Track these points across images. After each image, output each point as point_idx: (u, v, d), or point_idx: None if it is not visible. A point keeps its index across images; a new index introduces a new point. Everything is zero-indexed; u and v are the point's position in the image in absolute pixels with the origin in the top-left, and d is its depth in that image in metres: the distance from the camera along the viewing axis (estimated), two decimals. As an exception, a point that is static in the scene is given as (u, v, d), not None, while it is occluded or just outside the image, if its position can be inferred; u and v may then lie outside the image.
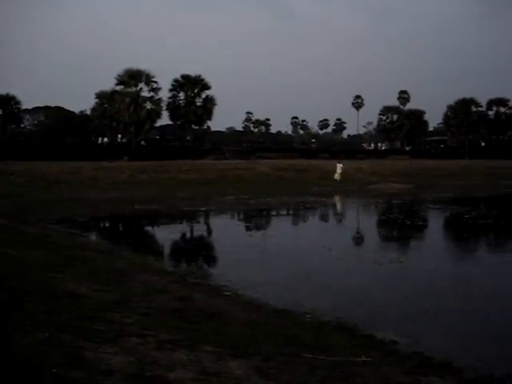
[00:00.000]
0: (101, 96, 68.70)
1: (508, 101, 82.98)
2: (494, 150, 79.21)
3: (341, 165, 44.07)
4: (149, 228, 22.26)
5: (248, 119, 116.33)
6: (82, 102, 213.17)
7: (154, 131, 73.21)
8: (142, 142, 67.21)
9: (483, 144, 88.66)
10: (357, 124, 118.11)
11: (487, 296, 9.64)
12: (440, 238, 17.90)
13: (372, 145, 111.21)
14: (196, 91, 66.71)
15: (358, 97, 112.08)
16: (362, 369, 5.47)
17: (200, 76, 66.74)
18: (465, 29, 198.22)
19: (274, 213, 26.66)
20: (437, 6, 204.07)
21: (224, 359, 5.25)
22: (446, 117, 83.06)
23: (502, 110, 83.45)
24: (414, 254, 15.04)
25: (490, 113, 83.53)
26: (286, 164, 48.78)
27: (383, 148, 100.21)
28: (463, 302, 9.16)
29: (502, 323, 7.97)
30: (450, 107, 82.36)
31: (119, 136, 71.80)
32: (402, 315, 8.36)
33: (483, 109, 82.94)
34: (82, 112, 79.50)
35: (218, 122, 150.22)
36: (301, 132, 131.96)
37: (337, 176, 43.17)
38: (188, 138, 71.31)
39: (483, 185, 44.57)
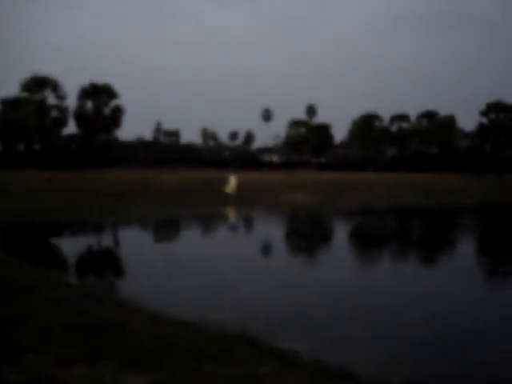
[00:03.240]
0: (4, 102, 66.22)
1: (409, 116, 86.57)
2: (397, 164, 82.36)
3: (234, 178, 43.96)
4: (53, 240, 21.59)
5: (158, 129, 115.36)
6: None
7: (60, 140, 71.22)
8: (48, 151, 65.22)
9: (390, 156, 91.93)
10: (266, 136, 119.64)
11: (388, 304, 9.96)
12: (345, 248, 18.38)
13: (274, 158, 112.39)
14: (104, 100, 65.60)
15: (267, 110, 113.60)
16: (264, 379, 5.54)
17: (108, 84, 65.69)
18: (368, 46, 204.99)
19: (182, 224, 26.54)
20: (346, 21, 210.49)
21: (124, 374, 5.19)
22: (351, 131, 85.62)
23: (404, 125, 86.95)
24: (320, 263, 15.39)
25: (393, 128, 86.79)
26: (195, 175, 48.73)
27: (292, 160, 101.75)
28: (365, 311, 9.45)
29: (402, 331, 8.26)
30: (354, 122, 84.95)
31: (24, 144, 69.34)
32: (305, 325, 8.51)
33: (386, 124, 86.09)
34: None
35: (127, 131, 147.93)
36: (211, 143, 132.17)
37: (229, 189, 42.96)
38: (95, 147, 69.85)
39: (386, 197, 46.21)
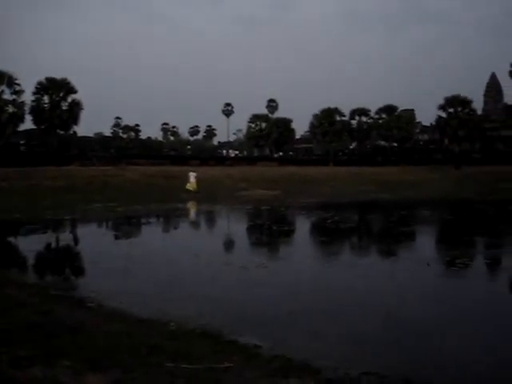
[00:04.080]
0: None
1: (369, 111, 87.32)
2: (358, 157, 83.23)
3: (194, 174, 43.81)
4: (10, 239, 21.17)
5: (117, 124, 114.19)
6: None
7: (16, 136, 69.77)
8: (4, 147, 63.83)
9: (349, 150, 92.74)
10: (227, 131, 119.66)
11: (349, 298, 10.05)
12: (304, 243, 18.49)
13: (231, 152, 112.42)
14: (61, 95, 64.45)
15: (228, 104, 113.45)
16: (224, 375, 5.54)
17: (66, 79, 64.55)
18: (329, 41, 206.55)
19: (142, 220, 26.33)
20: (304, 15, 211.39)
21: (82, 374, 5.11)
22: (312, 125, 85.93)
23: (364, 119, 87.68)
24: (280, 258, 15.46)
25: (353, 122, 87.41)
26: (155, 171, 48.34)
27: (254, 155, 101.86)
28: (325, 305, 9.51)
29: (363, 324, 8.34)
30: (315, 116, 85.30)
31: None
32: (266, 319, 8.53)
33: (346, 118, 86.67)
34: None
35: (86, 127, 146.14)
36: (171, 138, 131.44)
37: (189, 185, 42.80)
38: (53, 143, 68.66)
39: (346, 191, 46.66)
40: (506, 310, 9.26)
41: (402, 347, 7.29)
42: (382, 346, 7.35)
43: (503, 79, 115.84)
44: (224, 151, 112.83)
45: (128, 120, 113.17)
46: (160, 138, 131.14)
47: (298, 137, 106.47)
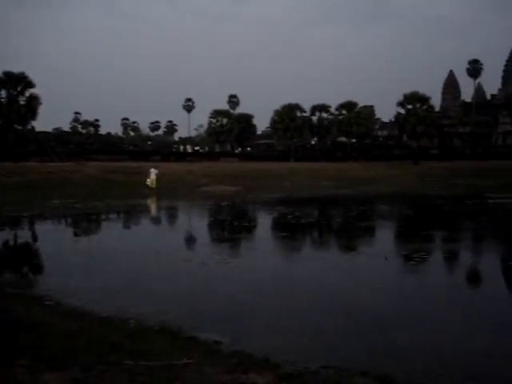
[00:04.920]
0: None
1: (330, 107, 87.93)
2: (318, 153, 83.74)
3: (155, 170, 43.59)
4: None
5: (76, 120, 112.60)
6: None
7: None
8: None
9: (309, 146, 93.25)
10: (188, 127, 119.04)
11: (309, 292, 10.14)
12: (265, 238, 18.55)
13: (188, 148, 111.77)
14: (19, 89, 63.25)
15: (189, 99, 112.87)
16: (182, 371, 5.54)
17: (23, 73, 63.39)
18: (288, 36, 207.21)
19: (102, 217, 26.06)
20: (265, 10, 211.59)
21: (39, 373, 5.06)
22: (273, 121, 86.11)
23: (325, 115, 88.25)
24: (241, 254, 15.50)
25: (314, 118, 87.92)
26: (115, 166, 47.88)
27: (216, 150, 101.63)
28: (285, 300, 9.58)
29: (322, 318, 8.43)
30: (276, 112, 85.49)
31: None
32: (226, 315, 8.57)
33: (307, 114, 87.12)
34: None
35: (44, 122, 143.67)
36: (132, 134, 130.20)
37: (150, 182, 42.60)
38: (11, 138, 67.31)
39: (307, 186, 46.96)
40: (460, 302, 9.47)
41: (360, 340, 7.39)
42: (340, 339, 7.45)
43: (461, 76, 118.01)
44: (181, 146, 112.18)
45: (87, 115, 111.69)
46: (120, 134, 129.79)
47: (259, 132, 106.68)
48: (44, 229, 21.58)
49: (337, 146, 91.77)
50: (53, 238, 18.44)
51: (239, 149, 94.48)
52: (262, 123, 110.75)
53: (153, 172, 43.23)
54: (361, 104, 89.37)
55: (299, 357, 6.54)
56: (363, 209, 29.63)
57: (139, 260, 13.73)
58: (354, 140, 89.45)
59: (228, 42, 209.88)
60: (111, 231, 20.96)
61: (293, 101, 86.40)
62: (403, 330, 7.88)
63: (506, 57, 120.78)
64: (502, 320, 8.39)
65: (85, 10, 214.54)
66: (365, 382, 5.78)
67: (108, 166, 47.72)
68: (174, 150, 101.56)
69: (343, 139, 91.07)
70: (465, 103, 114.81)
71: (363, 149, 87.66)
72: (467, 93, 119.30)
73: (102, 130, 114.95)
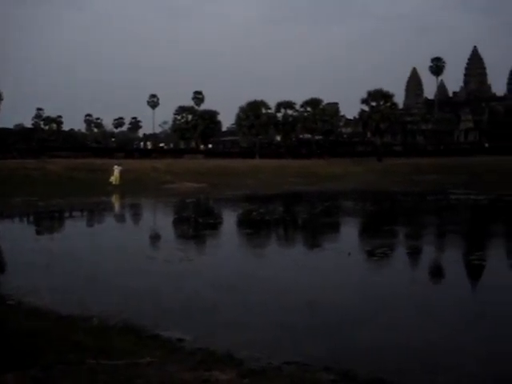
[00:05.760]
0: None
1: (294, 104, 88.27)
2: (283, 150, 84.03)
3: (119, 167, 43.24)
4: None
5: (38, 116, 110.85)
6: None
7: None
8: None
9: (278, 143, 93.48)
10: (152, 123, 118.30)
11: (272, 288, 10.17)
12: (230, 235, 18.56)
13: (148, 144, 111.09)
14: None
15: (153, 96, 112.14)
16: (145, 370, 5.51)
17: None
18: (252, 32, 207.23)
19: (65, 215, 25.73)
20: (233, 7, 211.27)
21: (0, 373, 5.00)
22: (238, 118, 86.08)
23: (290, 112, 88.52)
24: (205, 251, 15.47)
25: (279, 115, 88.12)
26: (78, 163, 47.31)
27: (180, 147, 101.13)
28: (249, 296, 9.60)
29: (285, 314, 8.46)
30: (241, 109, 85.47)
31: None
32: (190, 312, 8.54)
33: (272, 111, 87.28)
34: None
35: (5, 118, 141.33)
36: (95, 130, 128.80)
37: (113, 179, 42.24)
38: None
39: (272, 183, 47.09)
40: (421, 298, 9.60)
41: (323, 336, 7.45)
42: (303, 335, 7.49)
43: (424, 74, 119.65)
44: (141, 143, 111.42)
45: (50, 111, 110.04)
46: (83, 130, 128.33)
47: (224, 129, 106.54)
48: (5, 227, 21.24)
49: (302, 143, 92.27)
50: (14, 236, 18.15)
51: (204, 146, 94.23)
52: (227, 120, 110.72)
53: (116, 169, 42.83)
54: (325, 101, 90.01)
55: (262, 353, 6.56)
56: (327, 205, 29.84)
57: (102, 258, 13.60)
58: (318, 137, 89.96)
59: (192, 38, 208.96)
60: (74, 229, 20.69)
61: (258, 97, 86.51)
62: (365, 325, 7.96)
63: (468, 55, 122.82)
64: (463, 314, 8.55)
65: (43, 3, 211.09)
66: (327, 378, 5.82)
67: (71, 163, 47.13)
68: (134, 146, 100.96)
69: (308, 136, 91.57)
70: (427, 100, 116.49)
71: (328, 146, 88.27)
72: (430, 90, 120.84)
73: (65, 127, 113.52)
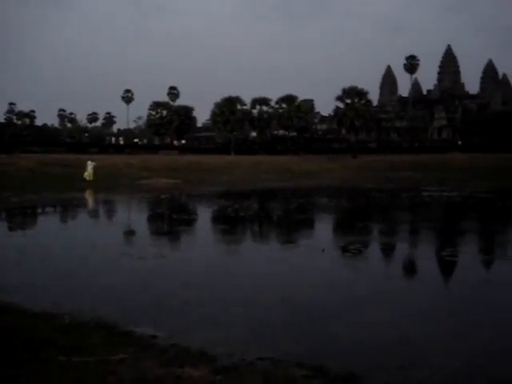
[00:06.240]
0: None
1: (270, 100, 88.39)
2: (259, 146, 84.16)
3: (92, 163, 42.97)
4: None
5: (11, 111, 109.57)
6: None
7: None
8: None
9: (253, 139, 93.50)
10: (127, 118, 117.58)
11: (245, 285, 10.18)
12: (204, 231, 18.53)
13: (121, 140, 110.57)
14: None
15: (127, 91, 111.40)
16: (117, 366, 5.50)
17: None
18: (225, 28, 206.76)
19: (38, 211, 25.47)
20: (207, 4, 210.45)
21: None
22: (214, 114, 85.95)
23: (265, 108, 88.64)
24: (179, 247, 15.43)
25: (254, 111, 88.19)
26: (51, 159, 46.86)
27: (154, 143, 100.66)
28: (223, 292, 9.60)
29: (259, 310, 8.47)
30: (216, 104, 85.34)
31: None
32: (163, 309, 8.52)
33: (247, 107, 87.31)
34: None
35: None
36: (69, 125, 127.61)
37: (87, 175, 42.00)
38: None
39: (247, 179, 47.09)
40: (394, 293, 9.70)
41: (296, 332, 7.49)
42: (277, 331, 7.52)
43: (398, 72, 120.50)
44: (113, 138, 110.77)
45: (23, 106, 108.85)
46: (57, 125, 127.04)
47: (199, 125, 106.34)
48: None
49: (277, 140, 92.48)
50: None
51: (179, 141, 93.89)
52: (202, 116, 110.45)
53: (90, 165, 42.53)
54: (301, 98, 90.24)
55: (236, 349, 6.58)
56: (302, 202, 29.95)
57: (75, 255, 13.49)
58: (293, 133, 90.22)
59: (167, 33, 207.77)
60: (47, 225, 20.50)
61: (233, 93, 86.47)
62: (339, 321, 8.02)
63: (441, 53, 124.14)
64: (435, 310, 8.65)
65: (26, 4, 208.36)
66: (300, 373, 5.86)
67: (44, 159, 46.67)
68: (106, 142, 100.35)
69: (283, 133, 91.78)
70: (402, 98, 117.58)
71: (303, 142, 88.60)
72: (404, 88, 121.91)
73: (38, 122, 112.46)
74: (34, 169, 42.10)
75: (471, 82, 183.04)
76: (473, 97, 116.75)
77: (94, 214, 25.98)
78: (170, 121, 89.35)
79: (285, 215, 23.61)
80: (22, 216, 24.01)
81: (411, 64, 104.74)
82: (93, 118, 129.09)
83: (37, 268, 11.76)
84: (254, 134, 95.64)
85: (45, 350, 5.83)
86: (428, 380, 5.89)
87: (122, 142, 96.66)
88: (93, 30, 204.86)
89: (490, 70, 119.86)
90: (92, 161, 43.20)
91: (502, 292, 9.71)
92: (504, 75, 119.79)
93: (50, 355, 5.64)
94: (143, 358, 5.94)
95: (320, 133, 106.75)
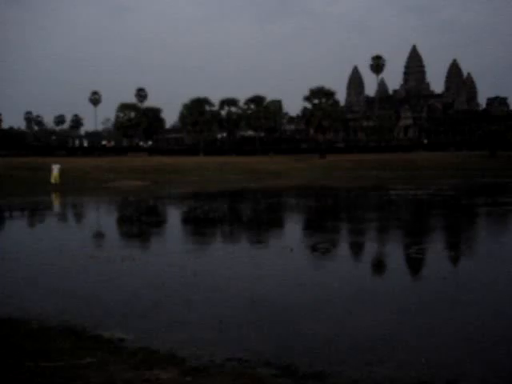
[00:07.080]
0: None
1: (238, 101, 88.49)
2: (227, 147, 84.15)
3: (57, 166, 42.53)
4: None
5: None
6: None
7: None
8: None
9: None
10: (95, 120, 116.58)
11: (214, 286, 10.20)
12: (173, 233, 18.50)
13: (84, 143, 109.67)
14: None
15: (95, 93, 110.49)
16: (85, 371, 5.49)
17: None
18: (192, 30, 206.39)
19: (4, 215, 25.11)
20: (175, 5, 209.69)
21: None
22: (182, 115, 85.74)
23: (233, 109, 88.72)
24: (147, 250, 15.37)
25: (223, 112, 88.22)
26: (17, 162, 46.27)
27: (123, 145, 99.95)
28: (191, 294, 9.59)
29: (227, 311, 8.51)
30: (185, 106, 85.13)
31: None
32: (132, 312, 8.50)
33: (216, 108, 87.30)
34: None
35: None
36: (35, 128, 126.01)
37: (53, 178, 41.58)
38: None
39: (216, 180, 47.05)
40: (362, 291, 9.82)
41: (264, 332, 7.54)
42: (246, 331, 7.57)
43: (365, 72, 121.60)
44: (76, 141, 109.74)
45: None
46: (23, 128, 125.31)
47: (168, 126, 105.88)
48: None
49: (245, 140, 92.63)
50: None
51: (148, 143, 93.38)
52: (170, 117, 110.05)
53: (55, 168, 42.07)
54: (269, 98, 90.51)
55: (205, 351, 6.62)
56: (271, 202, 30.07)
57: (42, 259, 13.35)
58: (262, 134, 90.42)
59: (134, 34, 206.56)
60: (14, 229, 20.24)
61: (201, 95, 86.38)
62: (308, 319, 8.09)
63: (407, 53, 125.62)
64: (402, 306, 8.79)
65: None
66: (268, 372, 5.93)
67: (10, 162, 46.07)
68: (70, 145, 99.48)
69: (252, 133, 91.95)
70: (368, 98, 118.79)
71: (271, 143, 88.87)
72: (371, 88, 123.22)
73: (4, 124, 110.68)
74: (1, 172, 41.49)
75: (436, 81, 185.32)
76: (438, 96, 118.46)
77: (62, 217, 25.70)
78: (139, 122, 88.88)
79: (254, 215, 23.68)
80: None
81: (377, 64, 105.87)
82: (60, 120, 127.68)
83: (2, 273, 11.63)
84: (222, 134, 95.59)
85: (11, 355, 5.79)
86: (394, 376, 6.00)
87: (85, 145, 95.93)
88: (59, 30, 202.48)
89: (454, 70, 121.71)
90: (57, 164, 42.73)
91: (466, 288, 9.91)
92: (468, 74, 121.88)
93: (17, 361, 5.61)
94: (112, 361, 5.94)
95: (288, 133, 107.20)
